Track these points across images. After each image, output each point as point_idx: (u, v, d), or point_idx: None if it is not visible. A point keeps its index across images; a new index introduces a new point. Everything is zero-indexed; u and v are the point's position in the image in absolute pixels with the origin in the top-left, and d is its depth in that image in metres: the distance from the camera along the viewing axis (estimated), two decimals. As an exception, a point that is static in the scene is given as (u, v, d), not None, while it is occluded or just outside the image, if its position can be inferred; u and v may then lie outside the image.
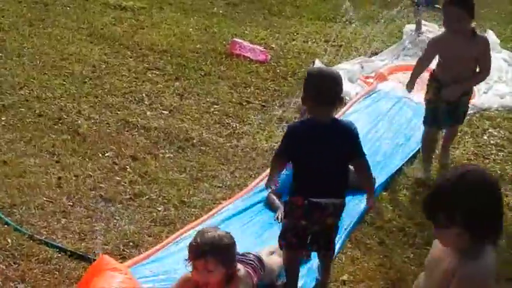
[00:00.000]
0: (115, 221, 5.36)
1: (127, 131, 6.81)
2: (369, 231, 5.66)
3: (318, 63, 8.59)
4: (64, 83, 7.71)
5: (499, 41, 10.05)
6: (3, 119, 6.76)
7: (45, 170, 5.95)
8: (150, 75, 8.23)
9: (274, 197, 5.83)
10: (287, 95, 8.04)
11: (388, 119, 7.70)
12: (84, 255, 4.91)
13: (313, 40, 10.08)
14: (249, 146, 6.79)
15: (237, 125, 7.24)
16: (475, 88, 7.46)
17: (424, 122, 6.55)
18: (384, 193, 6.20)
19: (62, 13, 9.84)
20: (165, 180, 6.02)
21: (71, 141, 6.47)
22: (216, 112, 7.48)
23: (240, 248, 4.51)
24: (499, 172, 6.85)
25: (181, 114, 7.31)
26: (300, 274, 4.85)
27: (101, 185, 5.84)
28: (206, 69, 8.53)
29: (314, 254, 5.00)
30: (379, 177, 6.09)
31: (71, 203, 5.55)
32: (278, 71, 8.77)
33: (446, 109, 6.37)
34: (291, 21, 10.88)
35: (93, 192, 5.72)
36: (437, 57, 6.47)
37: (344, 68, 8.73)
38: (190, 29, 9.87)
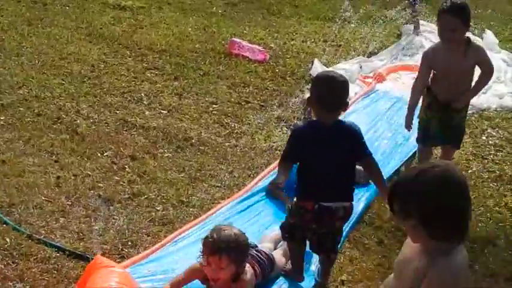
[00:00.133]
0: (113, 220, 5.36)
1: (126, 131, 6.81)
2: (368, 231, 5.67)
3: (316, 63, 8.60)
4: (63, 82, 7.71)
5: (497, 41, 10.06)
6: (1, 118, 6.75)
7: (44, 169, 5.95)
8: (149, 74, 8.23)
9: (275, 187, 5.86)
10: (286, 94, 8.04)
11: (387, 119, 7.70)
12: (82, 254, 4.91)
13: (312, 40, 10.08)
14: (248, 145, 6.80)
15: (236, 124, 7.24)
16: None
17: (417, 140, 6.41)
18: (383, 193, 6.21)
19: (60, 13, 9.83)
20: (164, 179, 6.02)
21: (69, 141, 6.47)
22: (215, 112, 7.48)
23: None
24: (497, 172, 6.87)
25: (180, 114, 7.31)
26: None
27: (99, 184, 5.84)
28: (205, 68, 8.53)
29: (312, 257, 5.03)
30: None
31: (70, 203, 5.55)
32: (277, 70, 8.77)
33: (437, 126, 6.13)
34: (290, 21, 10.88)
35: (92, 191, 5.72)
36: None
37: (343, 68, 8.73)
38: (189, 29, 9.86)
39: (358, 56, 9.32)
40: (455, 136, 6.24)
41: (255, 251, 4.78)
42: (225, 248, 4.31)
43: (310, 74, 8.45)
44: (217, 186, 6.04)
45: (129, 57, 8.65)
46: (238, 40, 9.24)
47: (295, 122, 7.32)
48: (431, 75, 6.18)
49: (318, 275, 4.97)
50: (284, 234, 4.88)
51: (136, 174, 6.05)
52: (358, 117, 7.35)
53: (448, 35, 5.90)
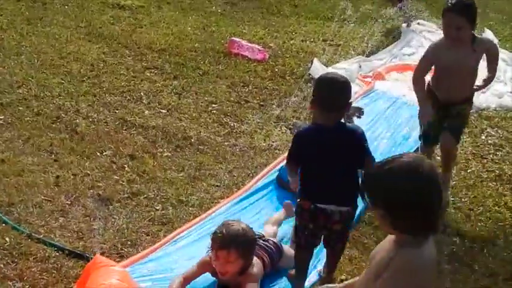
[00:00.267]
0: (113, 219, 5.36)
1: (125, 130, 6.81)
2: (367, 231, 5.67)
3: (316, 63, 8.60)
4: (62, 81, 7.71)
5: (497, 41, 10.05)
6: (1, 117, 6.75)
7: (43, 168, 5.95)
8: (148, 74, 8.23)
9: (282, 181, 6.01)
10: (285, 94, 8.04)
11: (386, 119, 7.71)
12: (82, 254, 4.91)
13: (312, 39, 10.08)
14: (247, 145, 6.80)
15: (235, 124, 7.24)
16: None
17: (419, 137, 6.39)
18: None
19: (60, 12, 9.83)
20: (163, 179, 6.02)
21: (69, 140, 6.47)
22: (214, 111, 7.48)
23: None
24: (497, 172, 6.87)
25: (179, 113, 7.31)
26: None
27: (99, 183, 5.84)
28: (204, 68, 8.53)
29: (318, 252, 5.03)
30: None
31: (69, 202, 5.54)
32: (276, 70, 8.77)
33: (439, 123, 6.06)
34: (289, 20, 10.88)
35: (91, 191, 5.72)
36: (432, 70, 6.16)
37: (342, 67, 8.74)
38: (189, 28, 9.86)
39: (358, 55, 9.32)
40: (454, 125, 6.12)
41: (262, 241, 4.89)
42: (234, 243, 4.45)
43: (310, 74, 8.45)
44: (217, 186, 6.04)
45: (129, 56, 8.65)
46: (237, 39, 9.24)
47: (294, 121, 7.32)
48: (431, 73, 6.14)
49: (323, 270, 4.97)
50: (293, 237, 4.90)
51: (136, 174, 6.05)
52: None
53: (453, 33, 5.83)
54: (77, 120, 6.86)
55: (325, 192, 4.54)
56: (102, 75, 7.99)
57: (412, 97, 7.66)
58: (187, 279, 4.61)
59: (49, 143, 6.38)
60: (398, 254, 3.21)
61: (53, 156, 6.18)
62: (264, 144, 6.85)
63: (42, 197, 5.54)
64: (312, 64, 8.62)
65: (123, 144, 6.51)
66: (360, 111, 6.85)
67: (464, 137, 7.38)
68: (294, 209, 4.87)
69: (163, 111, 7.32)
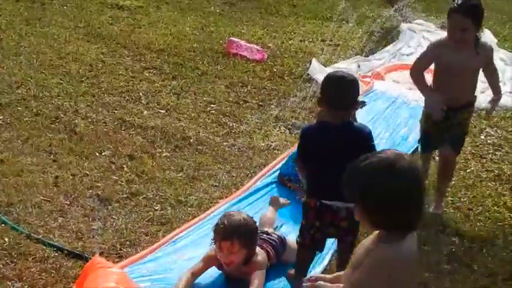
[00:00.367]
0: (112, 220, 5.36)
1: (124, 130, 6.81)
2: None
3: (314, 63, 8.60)
4: (61, 82, 7.71)
5: (496, 41, 10.07)
6: (0, 117, 6.75)
7: (42, 169, 5.95)
8: (147, 74, 8.23)
9: (285, 179, 6.09)
10: (284, 94, 8.04)
11: (385, 119, 7.71)
12: (81, 254, 4.90)
13: (310, 39, 10.08)
14: (246, 145, 6.80)
15: (234, 124, 7.24)
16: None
17: (418, 142, 6.32)
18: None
19: (58, 12, 9.83)
20: (162, 179, 6.02)
21: (68, 140, 6.47)
22: (213, 111, 7.48)
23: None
24: (496, 172, 6.87)
25: (178, 114, 7.31)
26: None
27: (98, 184, 5.83)
28: (203, 68, 8.53)
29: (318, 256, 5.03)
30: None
31: (68, 202, 5.54)
32: (275, 70, 8.78)
33: (438, 130, 5.89)
34: (288, 20, 10.88)
35: (90, 191, 5.71)
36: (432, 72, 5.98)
37: (341, 67, 8.74)
38: (187, 28, 9.87)
39: (356, 55, 9.33)
40: (454, 136, 5.95)
41: (266, 235, 4.98)
42: (236, 233, 4.54)
43: (308, 74, 8.46)
44: (216, 186, 6.04)
45: (127, 56, 8.65)
46: (236, 39, 9.25)
47: (293, 121, 7.33)
48: (432, 75, 6.00)
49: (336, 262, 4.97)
50: (297, 237, 4.89)
51: (135, 174, 6.05)
52: (356, 116, 7.35)
53: (458, 35, 5.67)
54: (76, 121, 6.86)
55: (331, 189, 4.53)
56: (100, 76, 7.99)
57: (411, 97, 7.71)
58: (195, 274, 4.67)
59: (48, 143, 6.37)
60: (376, 248, 3.24)
61: (52, 156, 6.18)
62: (263, 144, 6.85)
63: (41, 197, 5.53)
64: (310, 64, 8.63)
65: (122, 144, 6.51)
66: (362, 103, 6.84)
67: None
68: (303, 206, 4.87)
69: (162, 111, 7.32)
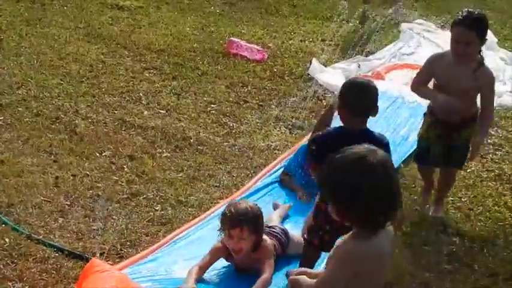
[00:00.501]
0: (112, 220, 5.36)
1: (124, 131, 6.81)
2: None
3: (315, 63, 8.60)
4: (61, 82, 7.71)
5: (496, 40, 10.06)
6: (0, 118, 6.75)
7: (42, 169, 5.95)
8: (147, 74, 8.23)
9: (288, 178, 6.13)
10: (284, 94, 8.04)
11: (385, 118, 7.69)
12: (81, 254, 4.90)
13: (310, 39, 10.08)
14: (246, 145, 6.79)
15: (234, 124, 7.24)
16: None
17: (414, 159, 6.17)
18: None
19: (59, 13, 9.83)
20: (162, 179, 6.02)
21: (68, 141, 6.47)
22: (213, 111, 7.48)
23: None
24: (496, 171, 6.87)
25: (178, 114, 7.31)
26: None
27: (98, 184, 5.83)
28: (203, 68, 8.53)
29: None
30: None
31: (69, 203, 5.54)
32: (275, 70, 8.78)
33: (439, 147, 5.71)
34: (288, 20, 10.88)
35: (91, 191, 5.72)
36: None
37: (341, 67, 8.75)
38: (187, 29, 9.86)
39: (357, 55, 9.32)
40: (458, 158, 5.81)
41: (268, 228, 5.07)
42: (244, 220, 4.66)
43: (309, 74, 8.46)
44: (216, 186, 6.04)
45: (128, 57, 8.65)
46: (236, 40, 9.24)
47: (293, 121, 7.33)
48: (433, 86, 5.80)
49: None
50: (304, 234, 4.89)
51: (135, 174, 6.05)
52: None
53: (461, 49, 5.43)
54: (76, 121, 6.86)
55: None
56: (101, 76, 7.99)
57: (411, 98, 7.70)
58: (203, 267, 4.73)
59: (48, 143, 6.37)
60: (344, 244, 3.28)
61: (53, 157, 6.18)
62: (263, 144, 6.85)
63: (42, 198, 5.53)
64: (310, 64, 8.63)
65: (122, 144, 6.51)
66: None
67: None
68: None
69: (162, 111, 7.32)
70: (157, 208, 5.61)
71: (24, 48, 8.48)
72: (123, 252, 5.04)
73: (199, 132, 6.94)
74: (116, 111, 7.18)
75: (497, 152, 7.29)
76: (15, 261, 4.80)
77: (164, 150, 6.52)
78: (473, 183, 6.56)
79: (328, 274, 3.29)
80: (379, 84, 8.38)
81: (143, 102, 7.48)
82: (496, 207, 6.26)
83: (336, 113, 5.72)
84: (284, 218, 5.61)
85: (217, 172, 6.24)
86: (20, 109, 6.97)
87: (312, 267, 4.87)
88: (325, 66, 8.71)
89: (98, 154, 6.31)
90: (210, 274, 4.80)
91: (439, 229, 5.75)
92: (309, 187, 5.80)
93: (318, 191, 4.75)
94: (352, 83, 4.86)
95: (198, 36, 9.61)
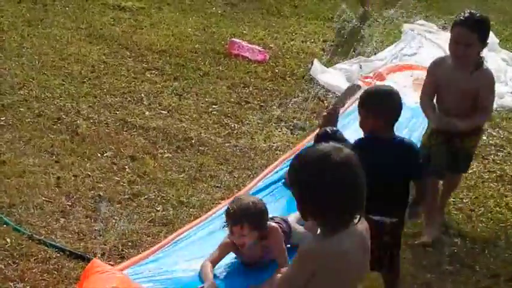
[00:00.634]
0: (114, 221, 5.36)
1: (126, 131, 6.81)
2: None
3: (316, 63, 8.60)
4: (63, 83, 7.71)
5: (498, 41, 10.05)
6: (2, 118, 6.76)
7: (44, 169, 5.95)
8: (148, 75, 8.23)
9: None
10: (286, 95, 8.04)
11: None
12: (83, 255, 4.91)
13: (312, 40, 10.07)
14: (248, 146, 6.80)
15: (236, 125, 7.24)
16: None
17: None
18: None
19: (61, 13, 9.83)
20: (164, 180, 6.02)
21: (69, 141, 6.47)
22: (215, 112, 7.48)
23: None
24: (498, 172, 6.86)
25: (179, 114, 7.31)
26: None
27: (99, 185, 5.84)
28: (205, 69, 8.53)
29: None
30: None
31: (70, 203, 5.55)
32: (277, 71, 8.77)
33: (441, 155, 5.49)
34: (290, 21, 10.87)
35: (92, 192, 5.72)
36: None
37: (342, 68, 8.74)
38: (189, 29, 9.86)
39: (358, 55, 9.31)
40: (461, 165, 5.70)
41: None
42: (245, 217, 4.72)
43: (310, 74, 8.45)
44: (217, 187, 6.04)
45: (129, 57, 8.65)
46: (238, 40, 9.24)
47: (295, 122, 7.33)
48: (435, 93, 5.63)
49: None
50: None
51: (136, 175, 6.05)
52: (357, 117, 7.34)
53: (461, 50, 5.28)
54: (78, 122, 6.86)
55: (377, 203, 4.53)
56: (102, 77, 7.99)
57: (412, 98, 7.69)
58: (213, 262, 4.82)
59: (50, 144, 6.38)
60: (307, 242, 3.30)
61: (54, 157, 6.19)
62: (265, 145, 6.85)
63: (43, 198, 5.54)
64: (312, 65, 8.62)
65: (123, 145, 6.51)
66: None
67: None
68: None
69: (164, 112, 7.32)
70: (158, 209, 5.61)
71: (25, 48, 8.48)
72: (124, 252, 5.05)
73: (201, 132, 6.94)
74: (117, 112, 7.18)
75: (498, 153, 7.28)
76: (17, 261, 4.81)
77: (166, 151, 6.52)
78: (475, 184, 6.56)
79: (288, 271, 3.30)
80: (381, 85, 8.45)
81: (145, 102, 7.48)
82: (497, 208, 6.25)
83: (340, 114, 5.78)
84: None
85: (218, 173, 6.24)
86: (21, 109, 6.98)
87: None
88: (327, 67, 8.70)
89: (99, 154, 6.32)
90: (219, 271, 4.86)
91: (440, 230, 5.75)
92: None
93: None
94: (379, 92, 4.85)
95: (200, 37, 9.61)
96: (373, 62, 9.19)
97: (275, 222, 5.03)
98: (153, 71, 8.34)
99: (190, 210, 5.64)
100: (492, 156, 7.19)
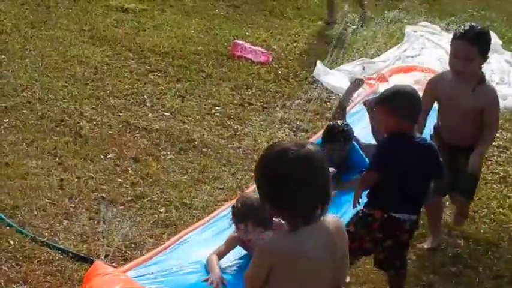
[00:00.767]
0: (117, 222, 5.36)
1: (129, 133, 6.82)
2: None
3: (319, 65, 8.60)
4: (66, 85, 7.72)
5: (501, 43, 10.04)
6: (5, 120, 6.76)
7: (47, 171, 5.96)
8: (151, 77, 8.23)
9: None
10: (289, 96, 8.04)
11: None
12: (86, 257, 4.92)
13: (315, 42, 10.07)
14: (251, 147, 6.80)
15: (239, 126, 7.24)
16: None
17: None
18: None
19: (64, 15, 9.83)
20: (167, 181, 6.02)
21: (73, 143, 6.48)
22: (218, 114, 7.48)
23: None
24: (501, 174, 6.86)
25: (182, 116, 7.31)
26: None
27: (102, 186, 5.84)
28: (208, 70, 8.53)
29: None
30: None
31: (73, 205, 5.55)
32: (279, 72, 8.77)
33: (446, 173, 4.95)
34: (293, 22, 10.87)
35: (95, 194, 5.73)
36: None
37: (345, 70, 8.74)
38: (192, 31, 9.86)
39: (361, 57, 9.31)
40: (465, 184, 5.45)
41: None
42: (250, 215, 4.79)
43: (313, 76, 8.46)
44: (220, 188, 6.04)
45: (132, 59, 8.66)
46: (240, 42, 9.24)
47: (298, 123, 7.32)
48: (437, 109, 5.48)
49: None
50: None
51: (140, 177, 6.06)
52: (360, 118, 7.34)
53: (460, 65, 5.10)
54: (81, 123, 6.87)
55: (401, 201, 4.56)
56: (105, 78, 8.00)
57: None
58: (220, 255, 4.88)
59: (53, 146, 6.38)
60: (267, 238, 3.39)
61: (57, 159, 6.19)
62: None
63: (46, 200, 5.55)
64: (315, 66, 8.62)
65: (126, 147, 6.52)
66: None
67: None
68: (353, 218, 4.79)
69: (167, 114, 7.33)
70: (161, 210, 5.62)
71: (28, 50, 8.49)
72: (127, 254, 5.05)
73: (204, 134, 6.95)
74: (120, 114, 7.19)
75: (501, 155, 7.27)
76: (20, 263, 4.82)
77: (168, 153, 6.52)
78: (478, 186, 6.54)
79: (251, 265, 3.30)
80: (383, 86, 8.46)
81: (148, 104, 7.49)
82: (500, 210, 6.25)
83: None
84: None
85: (221, 174, 6.25)
86: (24, 111, 6.98)
87: None
88: (330, 68, 8.70)
89: (102, 156, 6.32)
90: (227, 264, 4.91)
91: (443, 231, 5.74)
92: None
93: (369, 199, 4.73)
94: (405, 93, 4.76)
95: (203, 38, 9.61)
96: (376, 64, 9.18)
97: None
98: (156, 73, 8.35)
99: (194, 211, 5.64)
100: (495, 158, 7.19)
